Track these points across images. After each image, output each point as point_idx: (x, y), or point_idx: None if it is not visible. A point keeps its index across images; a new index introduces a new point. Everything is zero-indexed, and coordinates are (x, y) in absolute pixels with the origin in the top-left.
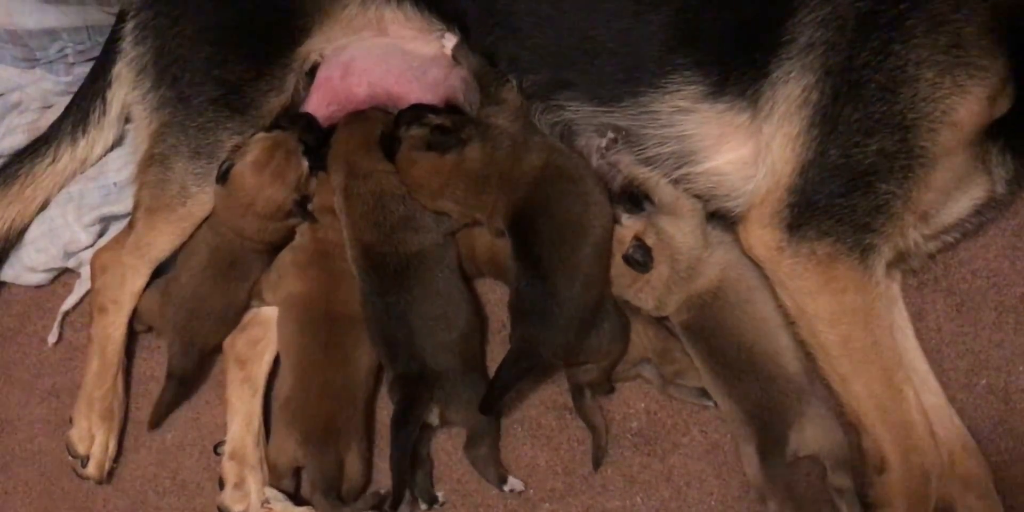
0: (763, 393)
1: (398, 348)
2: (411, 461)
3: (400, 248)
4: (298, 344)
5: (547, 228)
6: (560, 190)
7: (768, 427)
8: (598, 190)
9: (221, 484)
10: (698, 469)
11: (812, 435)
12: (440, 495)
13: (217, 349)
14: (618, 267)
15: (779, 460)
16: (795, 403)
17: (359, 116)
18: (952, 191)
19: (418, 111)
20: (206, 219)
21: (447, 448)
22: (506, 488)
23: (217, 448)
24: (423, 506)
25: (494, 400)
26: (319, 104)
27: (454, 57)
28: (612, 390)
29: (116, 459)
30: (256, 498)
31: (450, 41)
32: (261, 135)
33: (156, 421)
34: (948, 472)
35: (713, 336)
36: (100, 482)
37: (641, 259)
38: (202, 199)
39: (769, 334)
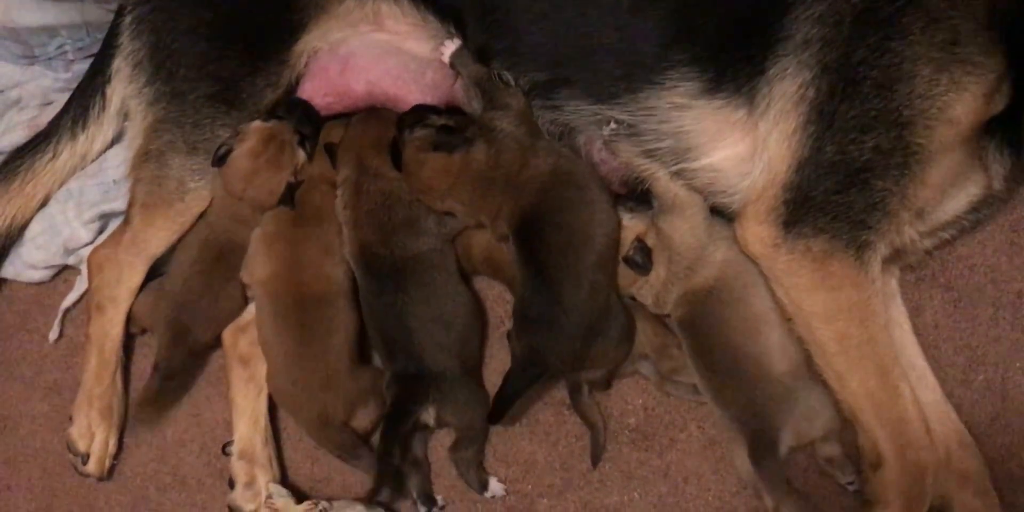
0: (747, 399)
1: (395, 347)
2: (408, 463)
3: (396, 251)
4: (275, 337)
5: (553, 235)
6: (567, 197)
7: (758, 432)
8: (604, 197)
9: (231, 484)
10: (695, 465)
11: (805, 429)
12: (440, 499)
13: (211, 347)
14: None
15: (773, 462)
16: (781, 405)
17: (373, 115)
18: (949, 188)
19: (420, 113)
20: (202, 214)
21: (445, 444)
22: (487, 494)
23: (225, 448)
24: (422, 509)
25: (503, 409)
26: (315, 92)
27: (452, 66)
28: (609, 386)
29: (116, 456)
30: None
31: (449, 49)
32: (257, 124)
33: (143, 416)
34: (945, 468)
35: (703, 333)
36: (101, 479)
37: (641, 261)
38: (201, 194)
39: (757, 335)
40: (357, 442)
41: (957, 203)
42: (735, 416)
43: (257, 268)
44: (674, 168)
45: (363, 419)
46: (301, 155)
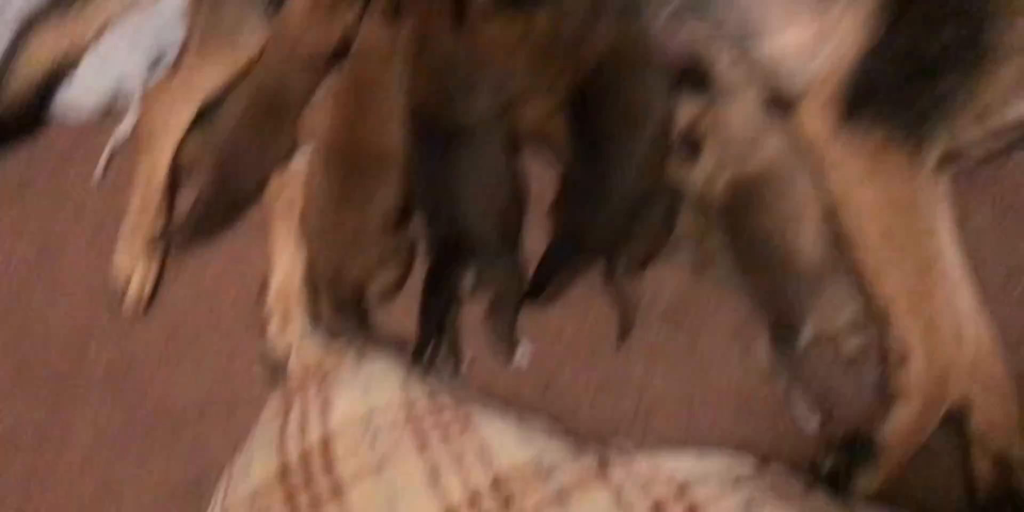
0: (774, 286)
1: (439, 213)
2: (440, 324)
3: (451, 116)
4: (320, 179)
5: (608, 113)
6: (626, 76)
7: (781, 318)
8: (662, 79)
9: (264, 331)
10: (722, 350)
11: (829, 319)
12: (468, 354)
13: (252, 197)
14: None
15: (791, 348)
16: (806, 295)
17: None
18: (1016, 90)
19: None
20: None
21: (476, 311)
22: (516, 358)
23: (260, 296)
24: (446, 366)
25: (542, 285)
26: None
27: None
28: (645, 267)
29: (153, 294)
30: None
31: None
32: None
33: (180, 240)
34: (970, 373)
35: (741, 219)
36: (138, 313)
37: (689, 148)
38: (256, 35)
39: (794, 225)
40: (355, 309)
41: (1019, 110)
42: (760, 302)
43: (320, 117)
44: (738, 49)
45: (382, 280)
46: (355, 11)
